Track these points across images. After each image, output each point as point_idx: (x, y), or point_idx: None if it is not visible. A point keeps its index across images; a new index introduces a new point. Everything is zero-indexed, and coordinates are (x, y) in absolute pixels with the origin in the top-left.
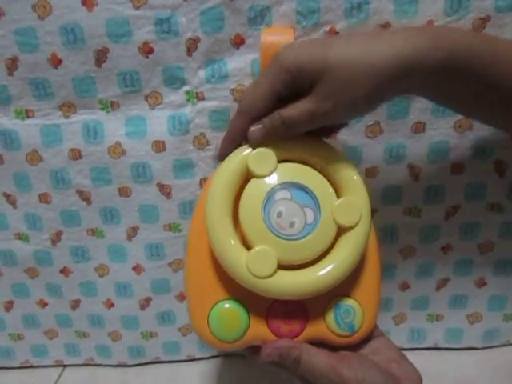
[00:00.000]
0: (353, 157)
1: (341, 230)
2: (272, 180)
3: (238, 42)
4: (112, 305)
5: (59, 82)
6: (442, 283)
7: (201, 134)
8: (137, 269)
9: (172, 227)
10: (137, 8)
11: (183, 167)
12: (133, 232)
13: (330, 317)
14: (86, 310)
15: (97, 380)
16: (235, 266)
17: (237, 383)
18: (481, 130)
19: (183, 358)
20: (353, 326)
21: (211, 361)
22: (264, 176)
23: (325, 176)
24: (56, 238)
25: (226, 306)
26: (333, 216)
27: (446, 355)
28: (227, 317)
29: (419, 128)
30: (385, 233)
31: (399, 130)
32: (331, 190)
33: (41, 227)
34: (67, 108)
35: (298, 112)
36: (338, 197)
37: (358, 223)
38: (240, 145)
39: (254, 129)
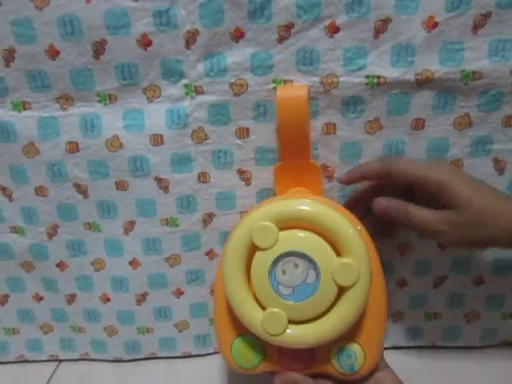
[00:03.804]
0: (352, 152)
1: (342, 288)
2: (274, 251)
3: (238, 36)
4: (108, 299)
5: (56, 73)
6: (440, 281)
7: (199, 128)
8: (133, 263)
9: (169, 222)
10: None
11: (181, 161)
12: (130, 226)
13: (334, 359)
14: (82, 305)
15: (92, 375)
16: (253, 324)
17: (232, 381)
18: (480, 128)
19: (179, 354)
20: (353, 368)
21: (207, 358)
22: (267, 248)
23: (324, 235)
24: (52, 232)
25: (246, 340)
26: (332, 277)
27: (443, 354)
28: (246, 349)
29: (419, 124)
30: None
31: (399, 126)
32: (330, 251)
33: (37, 220)
34: (64, 100)
35: (421, 218)
36: (338, 253)
37: (356, 282)
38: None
39: (383, 202)
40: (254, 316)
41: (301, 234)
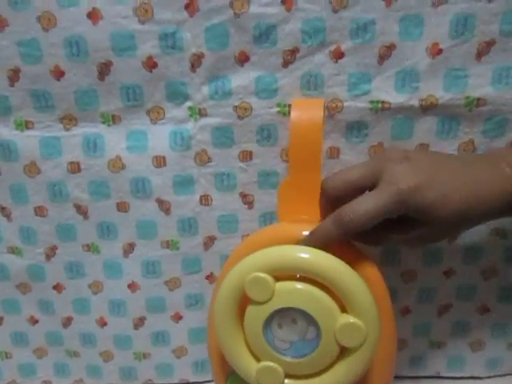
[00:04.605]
0: None
1: (344, 348)
2: (270, 307)
3: (243, 60)
4: (105, 323)
5: (61, 94)
6: (444, 309)
7: (202, 150)
8: (132, 286)
9: (170, 244)
10: (142, 22)
11: (183, 183)
12: (129, 248)
13: None
14: (78, 328)
15: None
16: (247, 376)
17: None
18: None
19: (176, 381)
20: None
21: None
22: (262, 303)
23: (329, 289)
24: (50, 253)
25: (239, 377)
26: (335, 337)
27: None
28: None
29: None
30: (386, 256)
31: None
32: (333, 307)
33: (35, 241)
34: (68, 120)
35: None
36: (343, 307)
37: (362, 345)
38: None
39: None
40: (248, 367)
41: (300, 286)
